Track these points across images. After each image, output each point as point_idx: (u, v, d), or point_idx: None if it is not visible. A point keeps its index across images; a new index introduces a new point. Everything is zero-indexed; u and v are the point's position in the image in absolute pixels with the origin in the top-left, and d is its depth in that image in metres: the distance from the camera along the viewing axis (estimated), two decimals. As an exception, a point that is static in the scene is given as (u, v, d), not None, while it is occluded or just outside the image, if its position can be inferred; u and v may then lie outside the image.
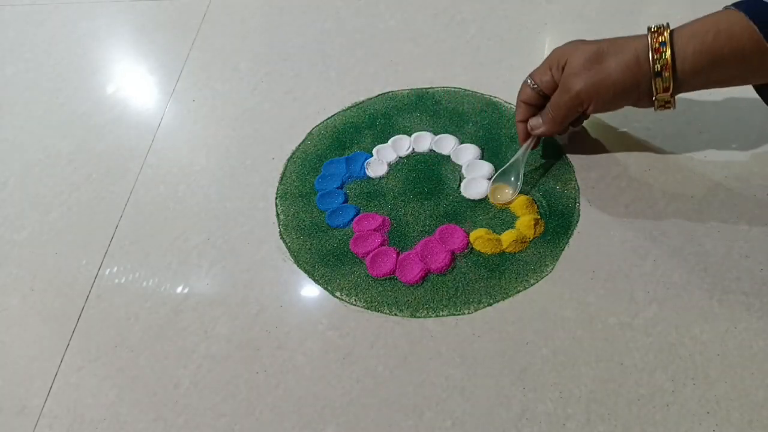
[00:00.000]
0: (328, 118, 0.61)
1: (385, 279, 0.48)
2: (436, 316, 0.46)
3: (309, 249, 0.51)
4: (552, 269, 0.47)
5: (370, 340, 0.45)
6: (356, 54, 0.68)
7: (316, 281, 0.49)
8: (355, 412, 0.42)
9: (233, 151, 0.60)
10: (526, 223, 0.49)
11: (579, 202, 0.51)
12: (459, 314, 0.45)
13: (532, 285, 0.46)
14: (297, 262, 0.50)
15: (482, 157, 0.55)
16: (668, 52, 0.40)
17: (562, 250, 0.48)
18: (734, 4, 0.40)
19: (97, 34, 0.77)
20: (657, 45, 0.41)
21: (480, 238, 0.49)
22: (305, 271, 0.49)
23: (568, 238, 0.49)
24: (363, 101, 0.62)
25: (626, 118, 0.56)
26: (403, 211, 0.52)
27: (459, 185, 0.53)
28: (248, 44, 0.71)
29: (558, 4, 0.69)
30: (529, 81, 0.49)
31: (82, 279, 0.52)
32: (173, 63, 0.70)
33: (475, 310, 0.46)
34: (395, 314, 0.46)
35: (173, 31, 0.75)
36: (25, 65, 0.74)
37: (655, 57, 0.41)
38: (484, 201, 0.52)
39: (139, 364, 0.46)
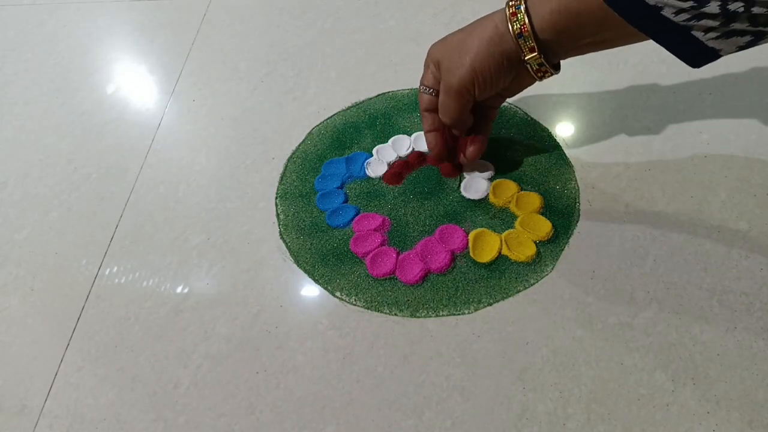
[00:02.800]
0: (328, 118, 0.61)
1: (385, 279, 0.48)
2: (436, 316, 0.46)
3: (309, 249, 0.51)
4: (552, 269, 0.47)
5: (370, 340, 0.45)
6: (356, 54, 0.68)
7: (316, 281, 0.49)
8: (355, 412, 0.42)
9: (233, 151, 0.60)
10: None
11: (579, 202, 0.51)
12: (459, 314, 0.45)
13: (532, 285, 0.46)
14: (297, 262, 0.50)
15: (482, 157, 0.55)
16: (523, 14, 0.41)
17: (562, 250, 0.48)
18: None
19: (97, 34, 0.77)
20: (513, 10, 0.42)
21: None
22: (305, 271, 0.49)
23: (568, 238, 0.49)
24: (363, 101, 0.62)
25: (626, 118, 0.56)
26: (403, 211, 0.52)
27: (459, 185, 0.53)
28: (248, 44, 0.71)
29: (558, 4, 0.69)
30: (422, 88, 0.49)
31: (82, 279, 0.52)
32: (173, 63, 0.70)
33: (475, 310, 0.46)
34: (395, 314, 0.46)
35: (173, 31, 0.75)
36: (25, 65, 0.74)
37: (513, 20, 0.41)
38: (484, 201, 0.52)
39: (139, 364, 0.46)
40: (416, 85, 0.62)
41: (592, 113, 0.57)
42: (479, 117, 0.50)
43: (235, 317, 0.47)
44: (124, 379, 0.45)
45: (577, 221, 0.49)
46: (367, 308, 0.47)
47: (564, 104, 0.58)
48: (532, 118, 0.58)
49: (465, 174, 0.54)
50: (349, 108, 0.62)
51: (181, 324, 0.48)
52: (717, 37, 0.36)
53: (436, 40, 0.47)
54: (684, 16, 0.35)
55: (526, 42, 0.42)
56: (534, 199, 0.51)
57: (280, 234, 0.52)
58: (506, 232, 0.49)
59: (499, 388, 0.42)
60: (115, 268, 0.52)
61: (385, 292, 0.47)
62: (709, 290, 0.44)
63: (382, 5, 0.73)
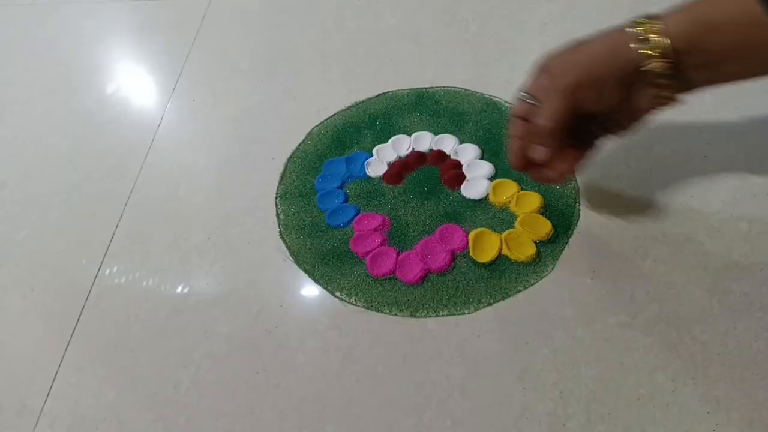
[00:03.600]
0: (328, 118, 0.61)
1: (385, 279, 0.48)
2: (436, 316, 0.46)
3: (309, 249, 0.51)
4: (552, 269, 0.47)
5: (370, 340, 0.45)
6: (356, 54, 0.68)
7: (316, 281, 0.49)
8: (355, 412, 0.42)
9: (233, 151, 0.60)
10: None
11: (579, 202, 0.51)
12: (459, 314, 0.45)
13: (532, 285, 0.46)
14: (297, 261, 0.50)
15: (482, 157, 0.55)
16: (652, 22, 0.37)
17: (562, 250, 0.48)
18: None
19: (97, 34, 0.77)
20: (639, 18, 0.38)
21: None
22: (305, 271, 0.49)
23: (568, 238, 0.49)
24: (363, 101, 0.62)
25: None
26: (403, 211, 0.52)
27: (459, 184, 0.53)
28: (248, 44, 0.71)
29: (558, 4, 0.69)
30: (521, 94, 0.43)
31: (82, 279, 0.52)
32: (173, 63, 0.70)
33: (475, 310, 0.46)
34: (395, 314, 0.46)
35: (173, 31, 0.75)
36: (25, 65, 0.74)
37: (640, 24, 0.37)
38: (484, 201, 0.52)
39: (139, 364, 0.46)
40: (416, 84, 0.63)
41: (592, 113, 0.57)
42: (578, 141, 0.44)
43: (235, 317, 0.47)
44: (124, 379, 0.45)
45: (577, 221, 0.49)
46: (367, 308, 0.47)
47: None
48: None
49: (465, 174, 0.54)
50: (349, 108, 0.62)
51: (181, 324, 0.48)
52: None
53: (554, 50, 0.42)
54: None
55: (653, 48, 0.37)
56: (534, 199, 0.51)
57: (280, 234, 0.52)
58: (506, 232, 0.49)
59: (499, 388, 0.42)
60: (115, 268, 0.52)
61: (385, 292, 0.47)
62: (709, 290, 0.44)
63: (383, 5, 0.73)
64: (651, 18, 0.38)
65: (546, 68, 0.42)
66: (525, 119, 0.43)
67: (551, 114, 0.41)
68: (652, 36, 0.37)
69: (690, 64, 0.38)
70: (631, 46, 0.38)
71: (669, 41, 0.37)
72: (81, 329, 0.48)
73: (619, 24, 0.40)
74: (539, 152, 0.42)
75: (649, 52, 0.37)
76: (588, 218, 0.50)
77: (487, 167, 0.54)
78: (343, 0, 0.75)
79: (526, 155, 0.44)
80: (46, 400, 0.45)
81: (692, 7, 0.37)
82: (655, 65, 0.37)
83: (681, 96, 0.40)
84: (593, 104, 0.40)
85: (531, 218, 0.49)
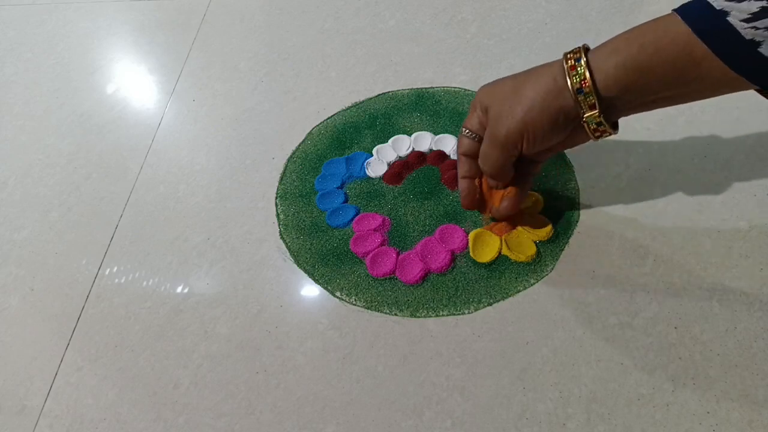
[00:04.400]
0: (328, 118, 0.61)
1: (385, 279, 0.48)
2: (436, 316, 0.46)
3: (309, 249, 0.51)
4: (552, 269, 0.47)
5: (370, 340, 0.45)
6: (356, 54, 0.68)
7: (316, 281, 0.49)
8: (355, 412, 0.42)
9: (233, 151, 0.60)
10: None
11: (579, 202, 0.51)
12: (459, 314, 0.45)
13: (532, 285, 0.46)
14: (297, 262, 0.50)
15: (482, 157, 0.55)
16: (583, 67, 0.37)
17: (562, 250, 0.48)
18: (676, 9, 0.36)
19: (97, 34, 0.77)
20: (572, 63, 0.38)
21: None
22: (305, 271, 0.49)
23: (568, 238, 0.49)
24: (363, 101, 0.62)
25: (626, 118, 0.56)
26: (403, 211, 0.52)
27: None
28: (248, 44, 0.71)
29: (558, 4, 0.69)
30: (464, 131, 0.45)
31: (82, 279, 0.52)
32: (173, 63, 0.70)
33: (475, 310, 0.46)
34: (395, 314, 0.46)
35: (173, 31, 0.75)
36: (25, 65, 0.74)
37: (572, 74, 0.38)
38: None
39: (139, 364, 0.46)
40: (416, 84, 0.63)
41: (592, 113, 0.57)
42: (521, 170, 0.45)
43: (235, 317, 0.47)
44: (124, 379, 0.45)
45: (577, 221, 0.49)
46: (367, 308, 0.47)
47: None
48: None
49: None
50: (349, 108, 0.62)
51: (181, 324, 0.48)
52: None
53: (487, 83, 0.43)
54: None
55: (586, 98, 0.38)
56: (534, 200, 0.51)
57: (280, 234, 0.52)
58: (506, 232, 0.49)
59: (499, 388, 0.42)
60: (115, 268, 0.52)
61: (385, 292, 0.47)
62: (709, 290, 0.44)
63: (382, 5, 0.73)
64: (581, 62, 0.38)
65: (483, 108, 0.43)
66: (471, 156, 0.45)
67: (492, 162, 0.43)
68: (583, 86, 0.38)
69: (622, 106, 0.39)
70: (565, 95, 0.38)
71: (596, 96, 0.38)
72: (81, 329, 0.48)
73: (551, 63, 0.40)
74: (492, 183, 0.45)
75: (583, 103, 0.38)
76: (588, 218, 0.50)
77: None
78: (343, 0, 0.75)
79: (476, 195, 0.46)
80: (46, 400, 0.45)
81: (621, 49, 0.37)
82: (589, 115, 0.39)
83: (615, 129, 0.41)
84: (530, 150, 0.42)
85: (531, 218, 0.49)
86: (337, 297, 0.48)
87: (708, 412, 0.39)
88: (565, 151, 0.54)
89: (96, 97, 0.68)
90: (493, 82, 0.43)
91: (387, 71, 0.65)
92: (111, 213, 0.56)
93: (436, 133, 0.57)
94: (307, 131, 0.60)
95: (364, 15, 0.72)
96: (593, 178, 0.52)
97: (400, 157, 0.56)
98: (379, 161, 0.56)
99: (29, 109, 0.68)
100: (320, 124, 0.61)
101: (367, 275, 0.48)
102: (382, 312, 0.46)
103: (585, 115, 0.39)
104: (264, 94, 0.65)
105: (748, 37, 0.32)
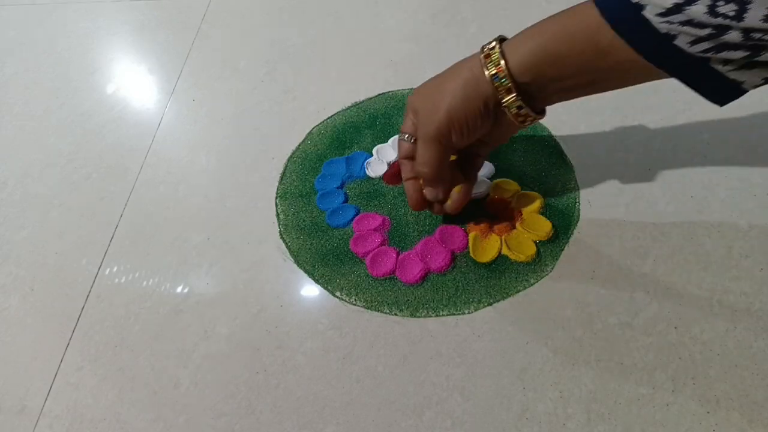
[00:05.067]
0: (328, 118, 0.61)
1: (385, 279, 0.48)
2: (436, 315, 0.46)
3: (309, 249, 0.51)
4: (552, 269, 0.47)
5: (370, 340, 0.45)
6: (356, 54, 0.68)
7: (316, 281, 0.49)
8: (355, 412, 0.42)
9: (233, 151, 0.60)
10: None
11: (579, 202, 0.51)
12: (459, 314, 0.45)
13: (532, 285, 0.46)
14: (297, 261, 0.50)
15: (482, 157, 0.55)
16: (497, 54, 0.39)
17: (562, 250, 0.48)
18: None
19: (97, 33, 0.77)
20: (487, 52, 0.39)
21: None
22: (305, 271, 0.49)
23: (568, 238, 0.49)
24: (363, 101, 0.62)
25: (626, 118, 0.56)
26: (403, 211, 0.52)
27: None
28: (248, 44, 0.71)
29: (558, 4, 0.69)
30: (401, 135, 0.46)
31: (82, 279, 0.52)
32: (173, 62, 0.70)
33: (475, 310, 0.46)
34: (395, 314, 0.46)
35: (173, 31, 0.75)
36: (25, 65, 0.74)
37: (487, 62, 0.39)
38: (484, 201, 0.52)
39: (139, 364, 0.46)
40: (416, 85, 0.62)
41: (592, 113, 0.57)
42: (465, 165, 0.47)
43: (235, 317, 0.47)
44: (124, 379, 0.45)
45: (577, 221, 0.49)
46: (367, 308, 0.47)
47: (564, 104, 0.58)
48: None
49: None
50: (349, 108, 0.62)
51: (181, 324, 0.48)
52: (739, 68, 0.33)
53: (418, 86, 0.44)
54: (702, 46, 0.32)
55: (502, 83, 0.39)
56: (534, 199, 0.51)
57: (280, 234, 0.52)
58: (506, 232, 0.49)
59: (499, 388, 0.42)
60: (115, 268, 0.52)
61: (385, 292, 0.47)
62: (709, 290, 0.44)
63: (382, 5, 0.73)
64: (495, 49, 0.39)
65: (414, 110, 0.44)
66: (411, 158, 0.45)
67: (427, 161, 0.43)
68: (498, 72, 0.39)
69: (538, 93, 0.40)
70: (483, 83, 0.40)
71: (511, 81, 0.39)
72: (81, 329, 0.48)
73: (470, 56, 0.41)
74: (431, 193, 0.46)
75: (500, 88, 0.39)
76: (588, 218, 0.50)
77: (487, 167, 0.54)
78: (343, 0, 0.75)
79: (422, 196, 0.47)
80: (46, 400, 0.45)
81: (535, 36, 0.39)
82: (507, 100, 0.40)
83: (541, 114, 0.42)
84: (462, 142, 0.42)
85: (531, 218, 0.49)
86: (337, 297, 0.48)
87: (708, 412, 0.39)
88: (565, 151, 0.54)
89: (96, 97, 0.68)
90: (421, 84, 0.44)
91: (387, 71, 0.65)
92: (111, 213, 0.56)
93: (436, 133, 0.57)
94: (307, 131, 0.60)
95: (364, 15, 0.72)
96: (593, 178, 0.52)
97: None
98: (379, 161, 0.56)
99: (29, 109, 0.68)
100: (320, 123, 0.61)
101: (367, 275, 0.48)
102: (382, 312, 0.46)
103: (503, 100, 0.40)
104: (264, 93, 0.65)
105: (663, 30, 0.33)
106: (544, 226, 0.49)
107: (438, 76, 0.43)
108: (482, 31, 0.67)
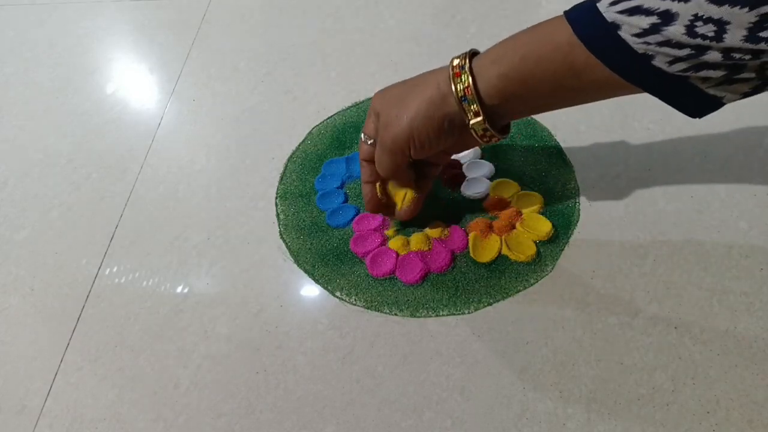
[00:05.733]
0: (328, 118, 0.61)
1: (385, 279, 0.48)
2: (436, 315, 0.46)
3: (309, 249, 0.51)
4: (552, 269, 0.47)
5: (370, 340, 0.45)
6: (356, 54, 0.68)
7: (316, 281, 0.49)
8: (355, 412, 0.42)
9: (233, 151, 0.60)
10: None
11: (579, 202, 0.51)
12: (459, 314, 0.45)
13: (532, 285, 0.46)
14: (297, 261, 0.50)
15: (482, 157, 0.55)
16: (467, 74, 0.38)
17: (562, 250, 0.48)
18: (567, 13, 0.36)
19: (97, 34, 0.77)
20: (457, 70, 0.38)
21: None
22: (305, 271, 0.49)
23: (568, 238, 0.49)
24: (363, 101, 0.62)
25: (626, 118, 0.56)
26: (403, 211, 0.52)
27: (459, 184, 0.53)
28: (248, 44, 0.71)
29: (558, 4, 0.69)
30: (362, 137, 0.45)
31: (82, 279, 0.52)
32: (173, 63, 0.70)
33: (475, 310, 0.46)
34: (395, 314, 0.46)
35: (173, 31, 0.75)
36: (25, 65, 0.74)
37: (456, 81, 0.38)
38: (484, 201, 0.52)
39: (139, 363, 0.46)
40: (416, 85, 0.63)
41: (592, 113, 0.57)
42: (420, 172, 0.47)
43: (235, 317, 0.47)
44: (124, 379, 0.45)
45: (577, 221, 0.49)
46: (367, 308, 0.47)
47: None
48: (532, 118, 0.58)
49: (465, 173, 0.54)
50: (349, 108, 0.62)
51: (181, 324, 0.48)
52: (719, 84, 0.33)
53: (382, 88, 0.44)
54: (680, 66, 0.32)
55: (470, 106, 0.38)
56: (534, 199, 0.51)
57: (280, 234, 0.52)
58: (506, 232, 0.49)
59: (499, 388, 0.42)
60: (115, 268, 0.52)
61: (385, 292, 0.47)
62: (709, 290, 0.44)
63: (382, 5, 0.73)
64: (465, 69, 0.38)
65: (376, 113, 0.43)
66: (370, 161, 0.46)
67: (384, 167, 0.44)
68: (467, 94, 0.38)
69: (506, 112, 0.40)
70: (449, 102, 0.39)
71: (479, 104, 0.38)
72: (81, 329, 0.48)
73: (439, 69, 0.41)
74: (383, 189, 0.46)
75: (467, 109, 0.39)
76: (588, 218, 0.50)
77: (487, 167, 0.54)
78: (343, 0, 0.75)
79: (378, 199, 0.47)
80: (45, 400, 0.45)
81: (505, 58, 0.37)
82: (474, 122, 0.39)
83: (505, 134, 0.42)
84: (421, 154, 0.42)
85: (531, 218, 0.49)
86: (337, 297, 0.48)
87: (708, 412, 0.39)
88: (565, 151, 0.54)
89: (96, 97, 0.68)
90: (386, 87, 0.44)
91: (387, 71, 0.65)
92: (111, 213, 0.56)
93: (436, 133, 0.57)
94: (307, 131, 0.60)
95: (364, 15, 0.72)
96: (593, 178, 0.52)
97: (400, 157, 0.56)
98: (379, 161, 0.56)
99: (29, 109, 0.68)
100: (320, 123, 0.61)
101: (367, 275, 0.48)
102: (382, 312, 0.46)
103: (470, 122, 0.39)
104: (264, 93, 0.65)
105: (640, 51, 0.32)
106: (544, 226, 0.49)
107: (404, 83, 0.42)
108: (482, 32, 0.67)
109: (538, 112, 0.41)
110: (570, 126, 0.56)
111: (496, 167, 0.54)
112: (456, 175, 0.54)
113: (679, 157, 0.53)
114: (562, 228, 0.49)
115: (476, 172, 0.53)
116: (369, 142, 0.45)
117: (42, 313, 0.50)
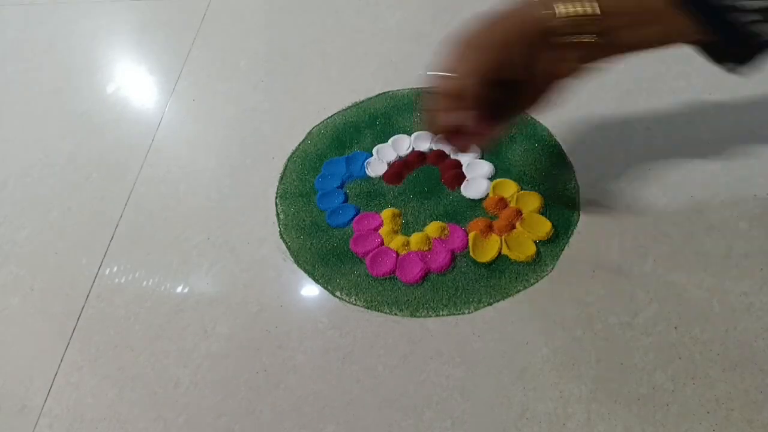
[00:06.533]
0: (328, 118, 0.61)
1: (385, 278, 0.48)
2: (436, 315, 0.46)
3: (309, 248, 0.51)
4: (552, 269, 0.47)
5: (370, 340, 0.45)
6: (356, 54, 0.68)
7: (316, 281, 0.49)
8: (355, 412, 0.42)
9: (233, 151, 0.60)
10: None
11: (579, 202, 0.51)
12: (459, 314, 0.45)
13: (532, 285, 0.46)
14: (297, 261, 0.50)
15: (482, 157, 0.55)
16: None
17: (562, 250, 0.48)
18: None
19: (97, 33, 0.77)
20: None
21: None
22: (305, 271, 0.49)
23: (568, 238, 0.49)
24: (363, 101, 0.62)
25: (626, 118, 0.56)
26: (403, 210, 0.52)
27: (459, 185, 0.53)
28: (248, 44, 0.71)
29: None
30: (438, 74, 0.42)
31: (82, 279, 0.52)
32: (173, 62, 0.70)
33: (475, 310, 0.46)
34: (395, 314, 0.46)
35: (173, 31, 0.75)
36: (25, 65, 0.74)
37: None
38: (484, 201, 0.52)
39: (139, 363, 0.46)
40: (416, 85, 0.63)
41: (592, 113, 0.57)
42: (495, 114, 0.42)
43: (235, 317, 0.47)
44: (124, 378, 0.45)
45: (577, 221, 0.49)
46: (367, 308, 0.47)
47: (564, 104, 0.58)
48: (532, 118, 0.57)
49: (465, 173, 0.54)
50: (349, 108, 0.62)
51: (181, 323, 0.48)
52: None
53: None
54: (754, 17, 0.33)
55: (582, 7, 0.36)
56: (534, 199, 0.51)
57: (280, 234, 0.52)
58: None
59: (499, 388, 0.42)
60: (115, 268, 0.52)
61: (385, 292, 0.47)
62: (709, 290, 0.44)
63: (383, 5, 0.73)
64: None
65: (460, 43, 0.40)
66: (444, 94, 0.41)
67: (470, 78, 0.39)
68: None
69: (613, 25, 0.37)
70: (544, 9, 0.37)
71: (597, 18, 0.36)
72: (81, 329, 0.48)
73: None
74: (464, 117, 0.41)
75: (570, 11, 0.37)
76: (588, 218, 0.50)
77: (487, 167, 0.54)
78: (343, 0, 0.75)
79: (449, 122, 0.42)
80: (46, 400, 0.45)
81: None
82: (572, 8, 0.37)
83: (593, 64, 0.39)
84: (507, 69, 0.39)
85: (531, 218, 0.49)
86: (337, 297, 0.48)
87: (708, 412, 0.39)
88: (565, 151, 0.54)
89: (96, 97, 0.68)
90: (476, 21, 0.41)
91: (387, 71, 0.65)
92: (111, 213, 0.56)
93: (436, 133, 0.57)
94: (307, 131, 0.60)
95: (364, 15, 0.72)
96: (593, 178, 0.52)
97: (400, 156, 0.56)
98: (379, 161, 0.56)
99: (29, 109, 0.68)
100: (320, 123, 0.61)
101: (367, 275, 0.48)
102: (382, 312, 0.46)
103: (562, 10, 0.37)
104: (264, 93, 0.65)
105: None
106: (544, 226, 0.49)
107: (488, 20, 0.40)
108: (482, 31, 0.67)
109: (642, 43, 0.38)
110: (570, 126, 0.56)
111: (496, 167, 0.54)
112: (456, 175, 0.54)
113: (679, 157, 0.53)
114: (562, 228, 0.49)
115: (476, 172, 0.53)
116: (447, 74, 0.40)
117: (42, 313, 0.50)
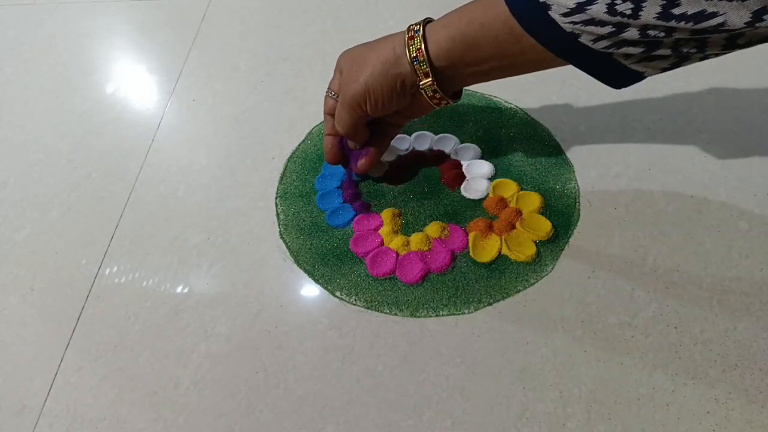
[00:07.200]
0: (328, 118, 0.61)
1: (385, 279, 0.48)
2: (436, 315, 0.46)
3: (309, 249, 0.51)
4: (552, 269, 0.47)
5: (370, 340, 0.45)
6: (356, 54, 0.68)
7: (316, 281, 0.49)
8: (355, 412, 0.42)
9: (233, 151, 0.60)
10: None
11: (579, 202, 0.51)
12: (459, 314, 0.45)
13: (532, 285, 0.46)
14: (297, 261, 0.50)
15: (482, 157, 0.55)
16: (420, 38, 0.41)
17: (562, 250, 0.48)
18: None
19: (97, 34, 0.77)
20: (411, 34, 0.42)
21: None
22: (305, 271, 0.49)
23: (568, 238, 0.49)
24: (363, 101, 0.62)
25: (626, 118, 0.56)
26: (403, 211, 0.52)
27: (459, 185, 0.53)
28: (248, 44, 0.71)
29: (558, 4, 0.69)
30: (328, 91, 0.49)
31: (82, 279, 0.52)
32: (173, 62, 0.70)
33: (475, 310, 0.46)
34: (395, 314, 0.46)
35: (173, 31, 0.75)
36: (25, 65, 0.74)
37: (410, 44, 0.41)
38: (484, 201, 0.52)
39: (139, 363, 0.46)
40: (416, 85, 0.63)
41: (592, 113, 0.57)
42: (379, 131, 0.50)
43: (235, 317, 0.47)
44: (124, 378, 0.45)
45: (577, 221, 0.49)
46: (367, 308, 0.47)
47: (564, 104, 0.58)
48: (532, 118, 0.58)
49: (465, 173, 0.54)
50: (349, 108, 0.62)
51: (181, 324, 0.48)
52: (639, 61, 0.36)
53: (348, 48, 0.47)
54: (603, 43, 0.34)
55: (420, 66, 0.41)
56: (534, 199, 0.51)
57: (280, 234, 0.52)
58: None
59: (499, 388, 0.42)
60: (115, 268, 0.52)
61: (385, 292, 0.47)
62: (709, 290, 0.44)
63: (382, 5, 0.73)
64: (418, 32, 0.42)
65: (340, 70, 0.46)
66: (333, 115, 0.48)
67: (343, 122, 0.46)
68: (419, 55, 0.41)
69: (455, 76, 0.42)
70: (403, 63, 0.42)
71: (429, 65, 0.41)
72: (81, 329, 0.48)
73: (396, 33, 0.43)
74: (350, 144, 0.50)
75: (418, 71, 0.42)
76: (588, 218, 0.50)
77: (487, 167, 0.54)
78: (343, 0, 0.75)
79: (337, 151, 0.51)
80: (45, 400, 0.45)
81: (453, 23, 0.41)
82: (424, 83, 0.42)
83: (456, 98, 0.45)
84: (377, 112, 0.45)
85: (531, 218, 0.49)
86: (337, 297, 0.48)
87: (708, 412, 0.39)
88: (565, 151, 0.54)
89: (96, 97, 0.68)
90: (352, 47, 0.46)
91: (387, 71, 0.65)
92: (111, 213, 0.56)
93: (436, 133, 0.57)
94: (307, 131, 0.60)
95: (364, 15, 0.72)
96: (593, 178, 0.52)
97: (400, 156, 0.56)
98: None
99: (29, 109, 0.68)
100: (320, 123, 0.61)
101: (367, 275, 0.48)
102: (382, 312, 0.46)
103: (421, 83, 0.42)
104: (264, 93, 0.65)
105: (568, 30, 0.35)
106: (544, 226, 0.49)
107: (366, 44, 0.45)
108: (482, 31, 0.67)
109: (487, 79, 0.43)
110: (570, 126, 0.56)
111: (496, 167, 0.54)
112: (456, 175, 0.54)
113: (679, 157, 0.53)
114: (562, 228, 0.49)
115: (476, 172, 0.53)
116: (333, 96, 0.48)
117: (42, 313, 0.50)
